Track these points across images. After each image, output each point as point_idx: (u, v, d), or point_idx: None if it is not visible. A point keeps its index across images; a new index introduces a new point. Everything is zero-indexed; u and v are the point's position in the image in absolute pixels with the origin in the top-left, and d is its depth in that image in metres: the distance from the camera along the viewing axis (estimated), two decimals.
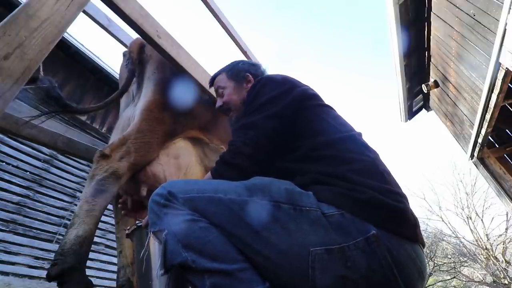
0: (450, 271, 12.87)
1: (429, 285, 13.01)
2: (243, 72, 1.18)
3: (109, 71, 4.28)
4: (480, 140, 3.43)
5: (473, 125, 3.32)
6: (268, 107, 0.89)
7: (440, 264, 12.97)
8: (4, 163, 3.13)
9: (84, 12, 1.96)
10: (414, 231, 0.69)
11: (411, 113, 4.94)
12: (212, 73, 1.67)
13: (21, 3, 1.70)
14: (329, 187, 0.71)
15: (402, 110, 4.63)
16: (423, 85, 4.03)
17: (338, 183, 0.71)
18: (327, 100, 0.99)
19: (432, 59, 3.99)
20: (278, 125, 0.86)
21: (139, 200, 1.39)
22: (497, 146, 3.96)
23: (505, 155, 3.89)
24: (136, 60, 1.55)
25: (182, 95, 1.52)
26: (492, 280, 11.82)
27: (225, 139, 1.74)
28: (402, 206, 0.69)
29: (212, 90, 1.58)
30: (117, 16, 1.18)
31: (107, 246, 3.97)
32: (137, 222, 1.05)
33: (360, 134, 0.89)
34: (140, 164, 1.35)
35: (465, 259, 12.45)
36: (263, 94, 0.93)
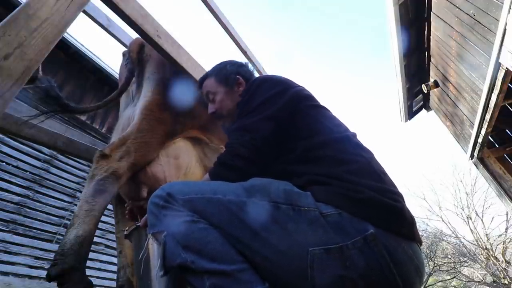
0: (450, 271, 12.85)
1: (429, 285, 13.00)
2: (233, 75, 1.14)
3: (109, 71, 4.28)
4: (480, 140, 3.43)
5: (473, 125, 3.32)
6: (264, 108, 0.89)
7: (440, 264, 12.96)
8: (4, 163, 3.13)
9: (84, 12, 1.96)
10: (411, 229, 0.69)
11: (411, 113, 4.94)
12: None
13: (21, 3, 1.70)
14: (327, 187, 0.71)
15: (402, 110, 4.63)
16: (423, 85, 4.03)
17: (335, 183, 0.71)
18: (326, 101, 0.99)
19: (432, 59, 3.99)
20: (274, 127, 0.86)
21: (144, 206, 1.39)
22: (497, 146, 3.97)
23: (505, 155, 3.89)
24: (135, 60, 1.55)
25: (182, 95, 1.52)
26: (492, 280, 11.82)
27: (225, 139, 1.74)
28: (399, 205, 0.69)
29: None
30: (117, 16, 1.18)
31: (107, 246, 3.96)
32: (136, 222, 1.05)
33: (354, 135, 0.89)
34: (140, 164, 1.35)
35: (465, 259, 12.44)
36: (259, 95, 0.93)
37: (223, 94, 1.11)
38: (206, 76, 1.18)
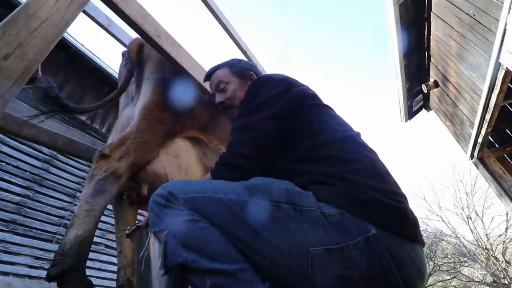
0: (450, 271, 12.86)
1: (429, 285, 13.01)
2: (247, 70, 1.17)
3: (109, 71, 4.28)
4: (480, 140, 3.43)
5: (473, 125, 3.32)
6: (267, 107, 0.89)
7: (440, 264, 12.97)
8: (4, 163, 3.13)
9: (84, 12, 1.96)
10: (414, 231, 0.69)
11: (411, 113, 4.94)
12: None
13: (21, 3, 1.70)
14: (329, 187, 0.71)
15: (402, 110, 4.63)
16: (423, 85, 4.03)
17: (337, 183, 0.71)
18: (326, 100, 0.99)
19: (432, 59, 3.99)
20: (277, 126, 0.86)
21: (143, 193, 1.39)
22: (497, 146, 3.97)
23: (505, 155, 3.89)
24: (135, 59, 1.54)
25: (182, 95, 1.52)
26: (492, 280, 11.83)
27: (224, 139, 1.74)
28: (402, 206, 0.69)
29: (206, 85, 1.53)
30: (117, 16, 1.18)
31: (107, 246, 3.96)
32: (137, 222, 1.05)
33: (358, 134, 0.89)
34: (139, 164, 1.35)
35: (465, 259, 12.45)
36: (262, 94, 0.93)
37: (237, 85, 1.12)
38: (220, 66, 1.20)
